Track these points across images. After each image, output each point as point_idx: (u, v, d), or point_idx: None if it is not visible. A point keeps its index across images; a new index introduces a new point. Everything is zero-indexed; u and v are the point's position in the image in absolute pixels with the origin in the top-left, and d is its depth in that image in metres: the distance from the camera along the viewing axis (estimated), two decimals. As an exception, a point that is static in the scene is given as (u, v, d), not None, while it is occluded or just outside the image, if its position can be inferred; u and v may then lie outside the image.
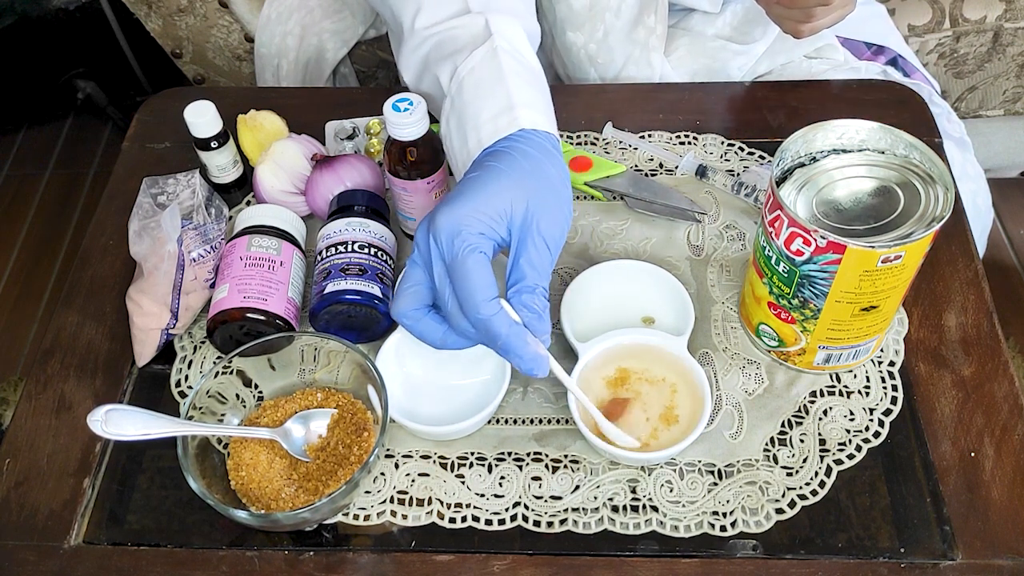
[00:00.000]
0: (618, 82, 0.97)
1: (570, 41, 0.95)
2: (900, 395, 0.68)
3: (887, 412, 0.67)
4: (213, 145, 0.81)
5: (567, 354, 0.71)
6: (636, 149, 0.86)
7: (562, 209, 0.60)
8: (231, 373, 0.67)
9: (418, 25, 0.72)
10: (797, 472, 0.64)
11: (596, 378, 0.67)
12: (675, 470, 0.65)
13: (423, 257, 0.59)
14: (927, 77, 1.05)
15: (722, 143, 0.86)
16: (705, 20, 0.97)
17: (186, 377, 0.72)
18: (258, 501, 0.63)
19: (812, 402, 0.68)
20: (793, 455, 0.65)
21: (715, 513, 0.63)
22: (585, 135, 0.87)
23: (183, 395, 0.71)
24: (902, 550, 0.61)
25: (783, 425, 0.67)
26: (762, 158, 0.84)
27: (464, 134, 0.65)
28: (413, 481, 0.65)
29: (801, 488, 0.64)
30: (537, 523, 0.63)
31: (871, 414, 0.67)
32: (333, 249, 0.71)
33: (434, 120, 0.73)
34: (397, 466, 0.66)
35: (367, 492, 0.65)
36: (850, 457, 0.65)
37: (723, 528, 0.62)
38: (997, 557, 0.60)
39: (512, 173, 0.59)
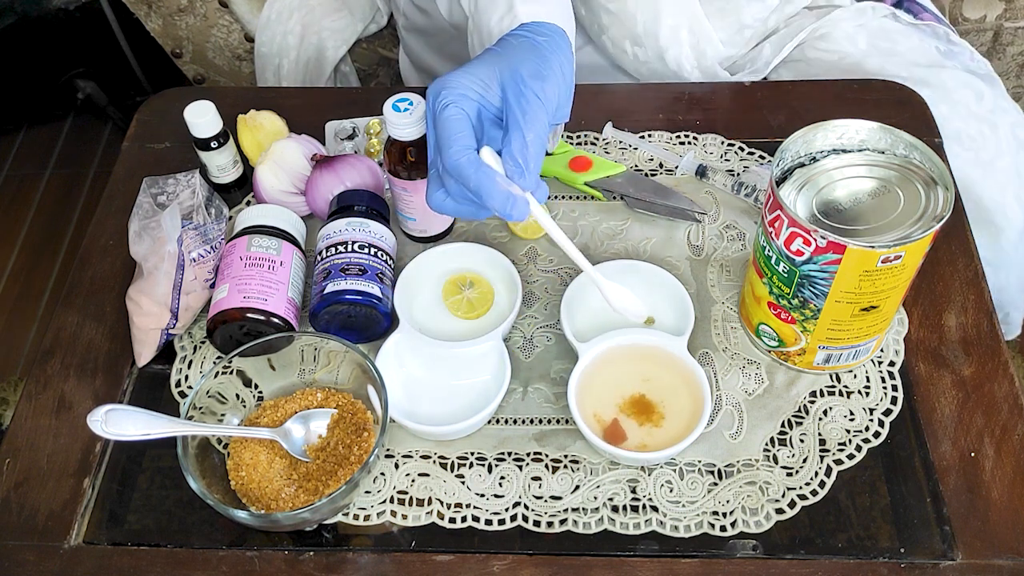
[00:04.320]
0: (628, 13, 0.96)
1: None
2: (900, 395, 0.68)
3: (887, 412, 0.67)
4: (213, 145, 0.81)
5: (567, 354, 0.71)
6: (636, 149, 0.86)
7: (551, 69, 0.61)
8: (231, 373, 0.67)
9: None
10: (797, 472, 0.64)
11: (596, 378, 0.67)
12: (675, 470, 0.65)
13: (429, 137, 0.61)
14: (938, 16, 1.04)
15: (722, 143, 0.86)
16: None
17: (186, 377, 0.72)
18: (258, 501, 0.63)
19: (812, 402, 0.68)
20: (793, 455, 0.65)
21: (715, 513, 0.63)
22: (585, 135, 0.87)
23: (183, 395, 0.71)
24: (902, 550, 0.61)
25: (783, 425, 0.67)
26: (762, 158, 0.84)
27: (482, 44, 0.69)
28: (413, 481, 0.65)
29: (801, 488, 0.64)
30: (537, 523, 0.63)
31: (871, 414, 0.67)
32: (333, 249, 0.71)
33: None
34: (397, 466, 0.66)
35: (367, 492, 0.65)
36: (850, 457, 0.65)
37: (723, 528, 0.62)
38: (997, 557, 0.60)
39: (499, 49, 0.63)
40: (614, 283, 0.64)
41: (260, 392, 0.69)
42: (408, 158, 0.72)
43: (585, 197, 0.82)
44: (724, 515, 0.63)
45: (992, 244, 0.92)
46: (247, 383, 0.68)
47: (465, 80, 0.59)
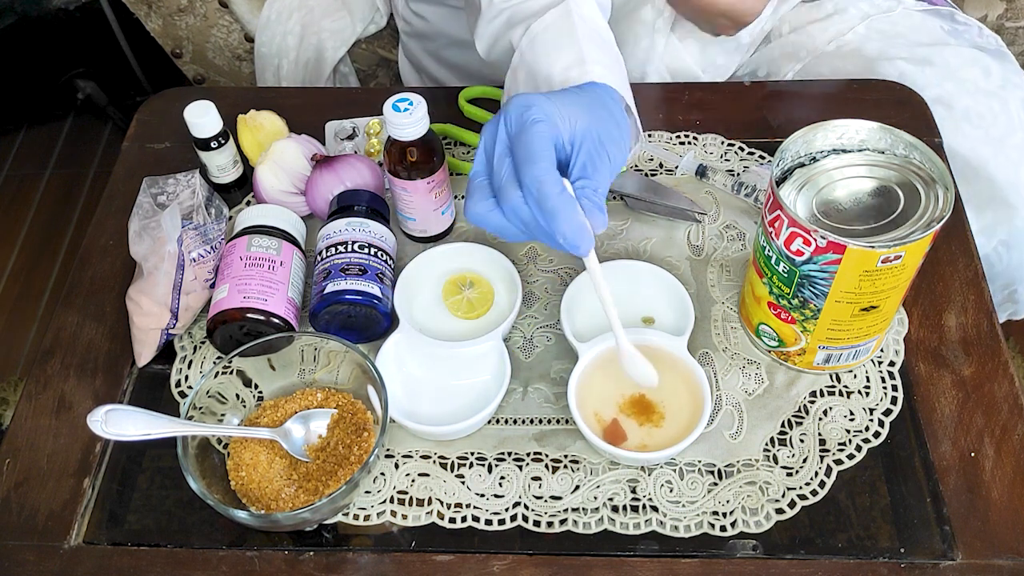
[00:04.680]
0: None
1: None
2: (900, 395, 0.68)
3: (887, 412, 0.67)
4: (213, 145, 0.81)
5: (567, 354, 0.71)
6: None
7: (622, 138, 0.62)
8: (231, 373, 0.67)
9: (496, 0, 0.75)
10: (797, 472, 0.64)
11: (596, 378, 0.67)
12: (675, 470, 0.65)
13: (487, 146, 0.60)
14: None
15: (722, 143, 0.86)
16: None
17: (186, 377, 0.72)
18: (258, 501, 0.63)
19: (812, 402, 0.68)
20: (793, 455, 0.65)
21: (715, 513, 0.63)
22: (585, 135, 0.87)
23: (183, 395, 0.71)
24: (902, 550, 0.61)
25: (783, 425, 0.67)
26: (762, 158, 0.84)
27: (535, 83, 0.68)
28: (413, 481, 0.65)
29: (801, 488, 0.64)
30: (537, 523, 0.63)
31: (871, 414, 0.67)
32: (333, 249, 0.71)
33: (434, 120, 0.73)
34: (397, 466, 0.66)
35: (367, 492, 0.65)
36: (850, 457, 0.65)
37: (723, 528, 0.62)
38: (997, 557, 0.60)
39: (580, 97, 0.62)
40: (637, 352, 0.63)
41: (260, 392, 0.69)
42: (408, 158, 0.72)
43: (585, 197, 0.82)
44: (724, 515, 0.63)
45: (1007, 224, 0.89)
46: (247, 383, 0.68)
47: (552, 108, 0.59)
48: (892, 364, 0.70)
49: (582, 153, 0.59)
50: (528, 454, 0.66)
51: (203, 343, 0.74)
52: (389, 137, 0.71)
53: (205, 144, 0.81)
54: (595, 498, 0.64)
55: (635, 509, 0.63)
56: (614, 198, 0.81)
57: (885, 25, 0.97)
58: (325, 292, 0.69)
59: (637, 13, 0.94)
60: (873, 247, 0.57)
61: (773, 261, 0.63)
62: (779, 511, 0.63)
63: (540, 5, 0.72)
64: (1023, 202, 0.88)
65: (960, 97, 0.88)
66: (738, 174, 0.83)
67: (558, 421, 0.68)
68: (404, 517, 0.64)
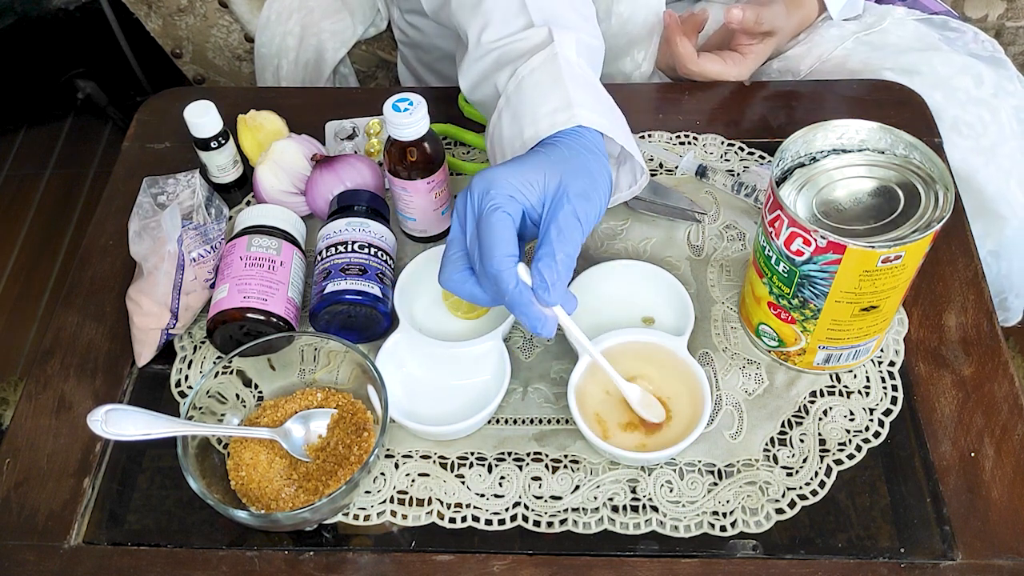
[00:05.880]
0: None
1: None
2: (900, 395, 0.68)
3: (887, 412, 0.67)
4: (213, 145, 0.81)
5: (567, 354, 0.71)
6: (636, 149, 0.86)
7: (596, 191, 0.62)
8: (231, 373, 0.67)
9: (484, 39, 0.73)
10: (797, 472, 0.64)
11: (596, 379, 0.67)
12: (675, 470, 0.65)
13: (460, 221, 0.62)
14: (946, 9, 1.02)
15: (722, 143, 0.86)
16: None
17: (186, 377, 0.72)
18: (258, 501, 0.63)
19: (812, 402, 0.68)
20: (793, 455, 0.65)
21: (715, 513, 0.63)
22: (585, 135, 0.87)
23: (183, 395, 0.71)
24: (902, 550, 0.61)
25: (783, 425, 0.67)
26: (762, 158, 0.84)
27: (520, 127, 0.68)
28: (413, 481, 0.65)
29: (801, 488, 0.64)
30: (537, 523, 0.63)
31: (871, 414, 0.67)
32: (333, 249, 0.71)
33: (434, 120, 0.73)
34: (397, 466, 0.66)
35: (367, 492, 0.65)
36: (850, 457, 0.65)
37: (723, 528, 0.62)
38: (997, 557, 0.60)
39: (552, 155, 0.63)
40: (635, 386, 0.66)
41: (260, 392, 0.69)
42: (408, 158, 0.72)
43: (585, 197, 0.82)
44: (724, 515, 0.63)
45: (996, 234, 0.88)
46: (247, 383, 0.68)
47: (514, 181, 0.60)
48: (892, 364, 0.70)
49: (549, 214, 0.61)
50: (528, 454, 0.66)
51: (203, 343, 0.74)
52: (389, 137, 0.71)
53: (205, 144, 0.81)
54: (595, 498, 0.64)
55: (635, 509, 0.63)
56: (614, 198, 0.81)
57: (874, 38, 0.96)
58: (325, 292, 0.69)
59: (616, 64, 0.95)
60: (873, 247, 0.57)
61: (773, 261, 0.63)
62: (779, 511, 0.63)
63: (528, 46, 0.71)
64: (1013, 212, 0.88)
65: (949, 107, 0.87)
66: (738, 174, 0.83)
67: (558, 421, 0.68)
68: (404, 517, 0.64)
